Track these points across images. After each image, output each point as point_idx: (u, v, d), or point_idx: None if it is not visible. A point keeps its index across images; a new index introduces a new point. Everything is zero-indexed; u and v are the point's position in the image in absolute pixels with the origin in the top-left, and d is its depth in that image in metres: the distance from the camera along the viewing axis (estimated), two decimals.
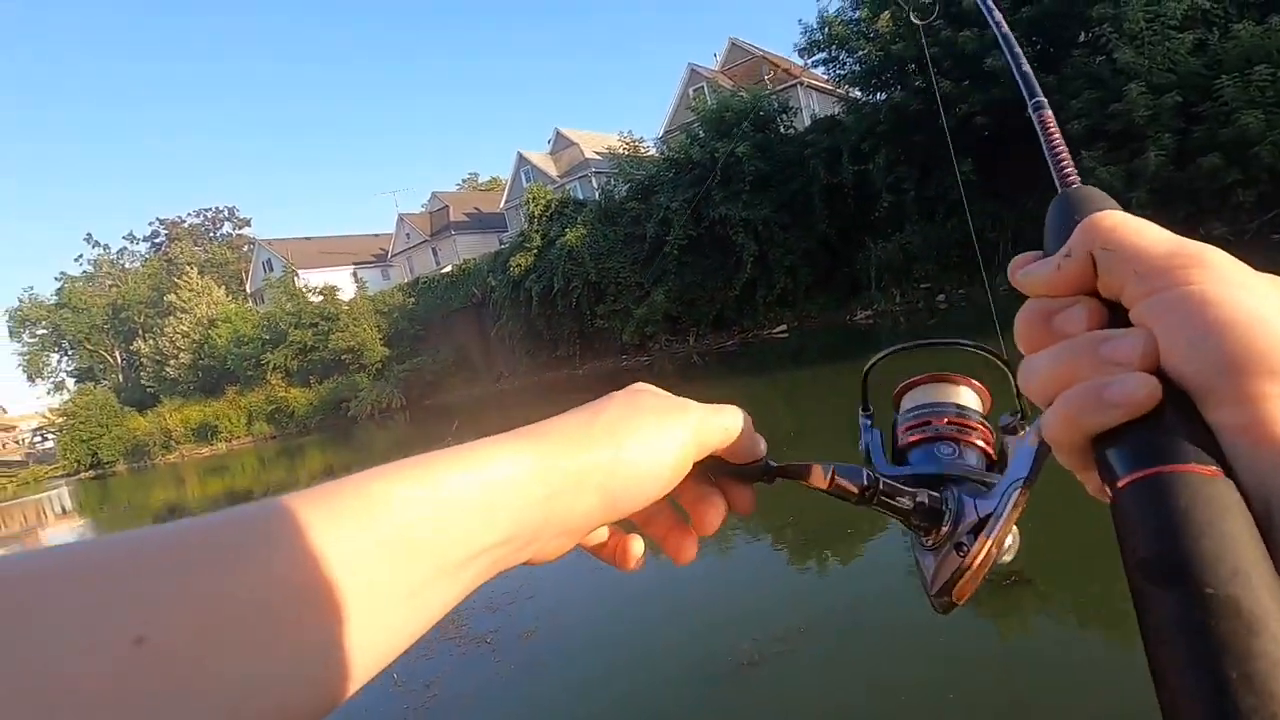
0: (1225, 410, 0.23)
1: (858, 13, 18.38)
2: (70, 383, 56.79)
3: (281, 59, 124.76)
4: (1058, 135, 0.40)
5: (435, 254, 41.51)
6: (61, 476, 41.85)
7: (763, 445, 0.41)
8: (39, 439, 54.39)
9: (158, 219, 57.71)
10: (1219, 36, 13.39)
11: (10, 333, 56.78)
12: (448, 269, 33.79)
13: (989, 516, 0.36)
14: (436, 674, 3.72)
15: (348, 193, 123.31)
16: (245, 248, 53.39)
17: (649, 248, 21.91)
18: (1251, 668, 0.18)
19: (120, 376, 52.48)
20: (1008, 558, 0.37)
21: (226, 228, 57.19)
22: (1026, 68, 0.46)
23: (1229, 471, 0.23)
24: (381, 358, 31.98)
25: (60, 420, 42.97)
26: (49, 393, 58.25)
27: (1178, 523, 0.21)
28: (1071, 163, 0.37)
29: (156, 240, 56.59)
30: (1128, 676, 2.64)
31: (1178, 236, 0.28)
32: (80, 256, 71.84)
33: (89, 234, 69.96)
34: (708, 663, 3.30)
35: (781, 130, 21.68)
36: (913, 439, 0.45)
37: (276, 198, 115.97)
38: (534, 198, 25.57)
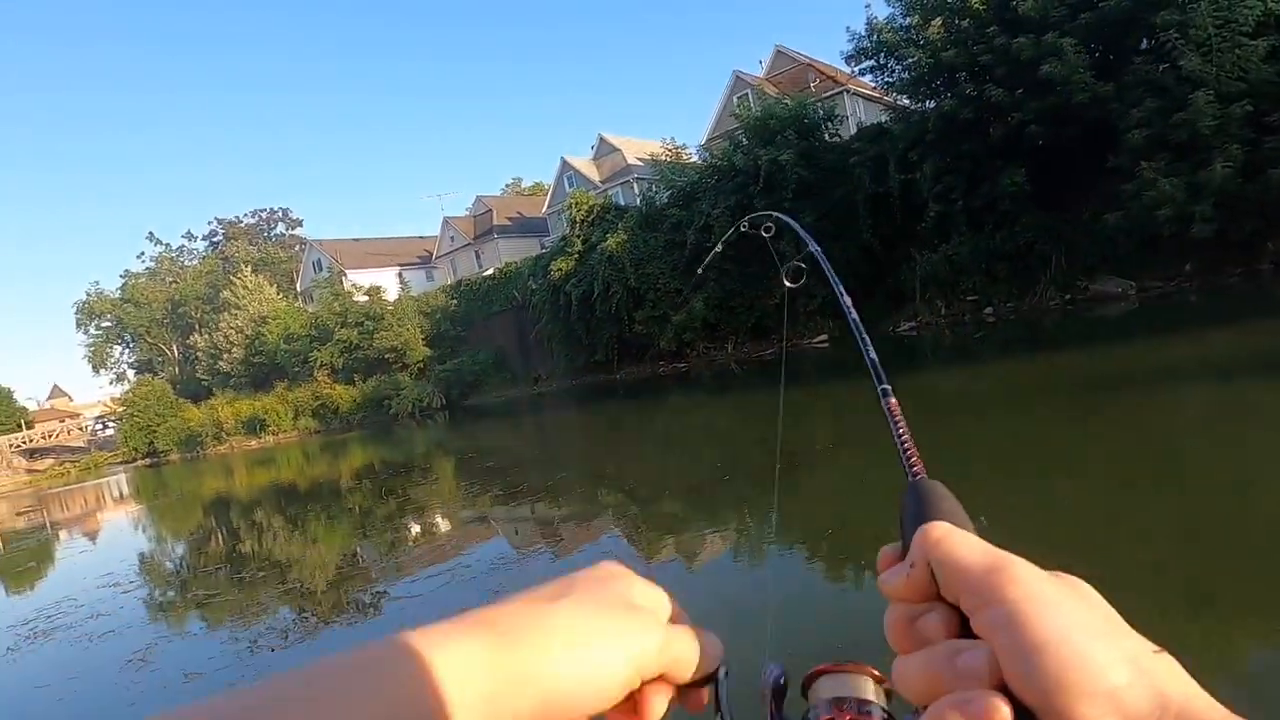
0: None
1: (908, 19, 18.09)
2: (130, 374, 59.48)
3: (337, 63, 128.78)
4: (904, 425, 0.44)
5: (478, 257, 42.20)
6: (120, 463, 43.79)
7: (716, 657, 0.38)
8: (100, 426, 57.05)
9: (216, 219, 60.10)
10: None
11: (77, 324, 59.81)
12: (490, 272, 34.32)
13: None
14: None
15: (395, 195, 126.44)
16: (297, 247, 55.15)
17: (689, 254, 21.88)
18: None
19: (177, 369, 54.71)
20: None
21: (280, 228, 59.19)
22: (874, 355, 0.50)
23: None
24: (423, 358, 32.62)
25: (121, 409, 45.03)
26: (111, 383, 61.16)
27: None
28: (916, 453, 0.42)
29: (214, 239, 58.88)
30: None
31: (990, 548, 0.32)
32: (143, 254, 75.12)
33: (151, 232, 73.07)
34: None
35: (826, 138, 21.45)
36: None
37: (328, 199, 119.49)
38: (576, 203, 25.80)
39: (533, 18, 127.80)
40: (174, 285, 56.29)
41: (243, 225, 58.27)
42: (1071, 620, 0.28)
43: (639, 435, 12.92)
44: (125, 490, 26.44)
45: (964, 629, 0.31)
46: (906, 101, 19.44)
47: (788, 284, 0.98)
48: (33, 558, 12.93)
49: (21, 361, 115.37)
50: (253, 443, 36.14)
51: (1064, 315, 14.70)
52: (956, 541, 0.33)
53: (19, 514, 22.99)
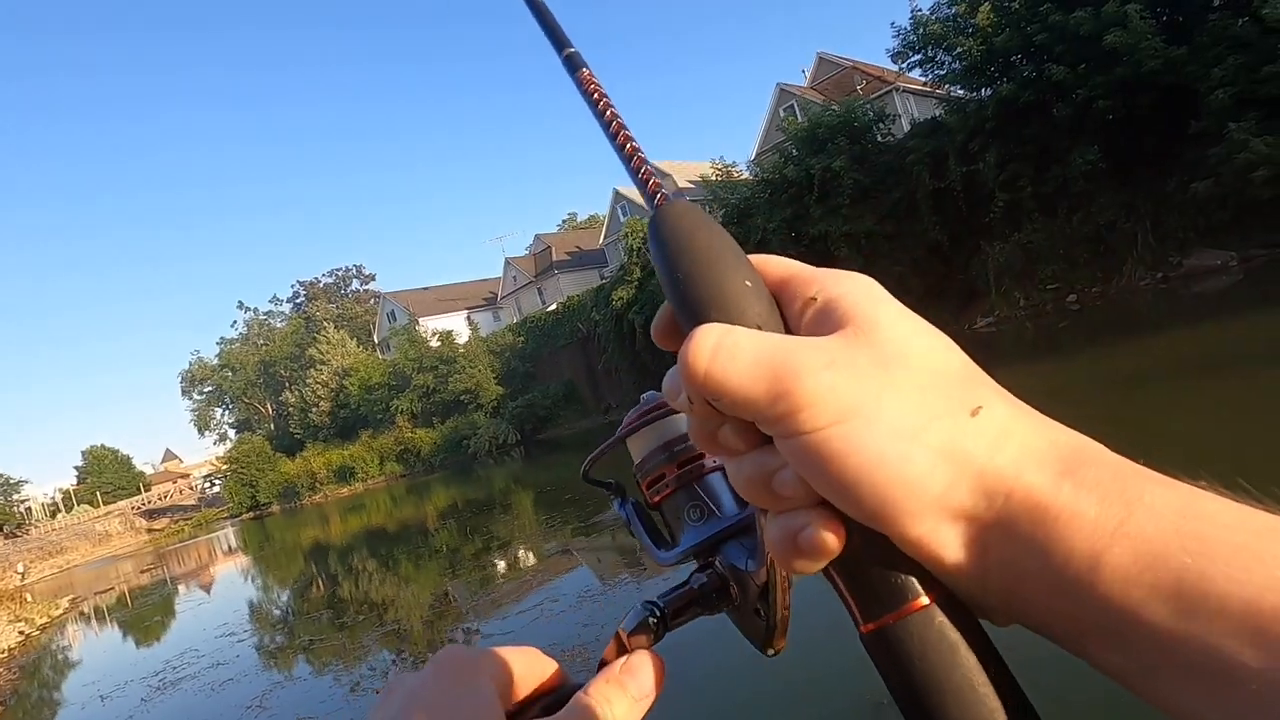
0: (906, 546, 0.25)
1: (954, 9, 17.61)
2: (231, 433, 63.65)
3: (394, 127, 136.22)
4: (636, 147, 0.36)
5: (541, 294, 43.23)
6: (228, 518, 46.70)
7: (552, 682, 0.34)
8: (208, 484, 61.16)
9: (297, 281, 64.04)
10: None
11: (183, 391, 64.67)
12: (553, 307, 35.06)
13: (765, 585, 0.34)
14: None
15: (460, 241, 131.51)
16: (372, 301, 58.01)
17: None
18: None
19: (272, 425, 58.12)
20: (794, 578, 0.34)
21: (355, 284, 62.47)
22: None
23: (940, 588, 0.26)
24: (496, 396, 33.49)
25: (225, 467, 48.13)
26: (215, 443, 65.56)
27: (923, 669, 0.25)
28: (653, 174, 0.35)
29: (296, 300, 62.66)
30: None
31: (767, 355, 0.26)
32: (235, 321, 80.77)
33: (240, 301, 78.65)
34: (840, 702, 3.13)
35: (879, 139, 21.01)
36: (659, 498, 0.41)
37: (398, 252, 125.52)
38: (632, 231, 26.16)
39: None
40: (264, 348, 60.13)
41: (321, 285, 61.81)
42: (877, 431, 0.25)
43: None
44: (233, 543, 28.12)
45: (768, 440, 0.27)
46: (961, 92, 18.84)
47: None
48: (157, 612, 13.88)
49: (138, 431, 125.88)
50: (344, 490, 37.85)
51: (1157, 295, 13.73)
52: (723, 367, 0.26)
53: (143, 571, 24.79)
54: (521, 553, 8.99)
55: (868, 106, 21.67)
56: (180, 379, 64.46)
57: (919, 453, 0.25)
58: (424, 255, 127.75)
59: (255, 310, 63.71)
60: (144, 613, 14.28)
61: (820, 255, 20.29)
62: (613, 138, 0.36)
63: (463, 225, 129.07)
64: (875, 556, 0.26)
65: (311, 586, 11.88)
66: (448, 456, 34.00)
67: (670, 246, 0.30)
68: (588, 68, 0.39)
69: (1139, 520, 0.23)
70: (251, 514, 42.94)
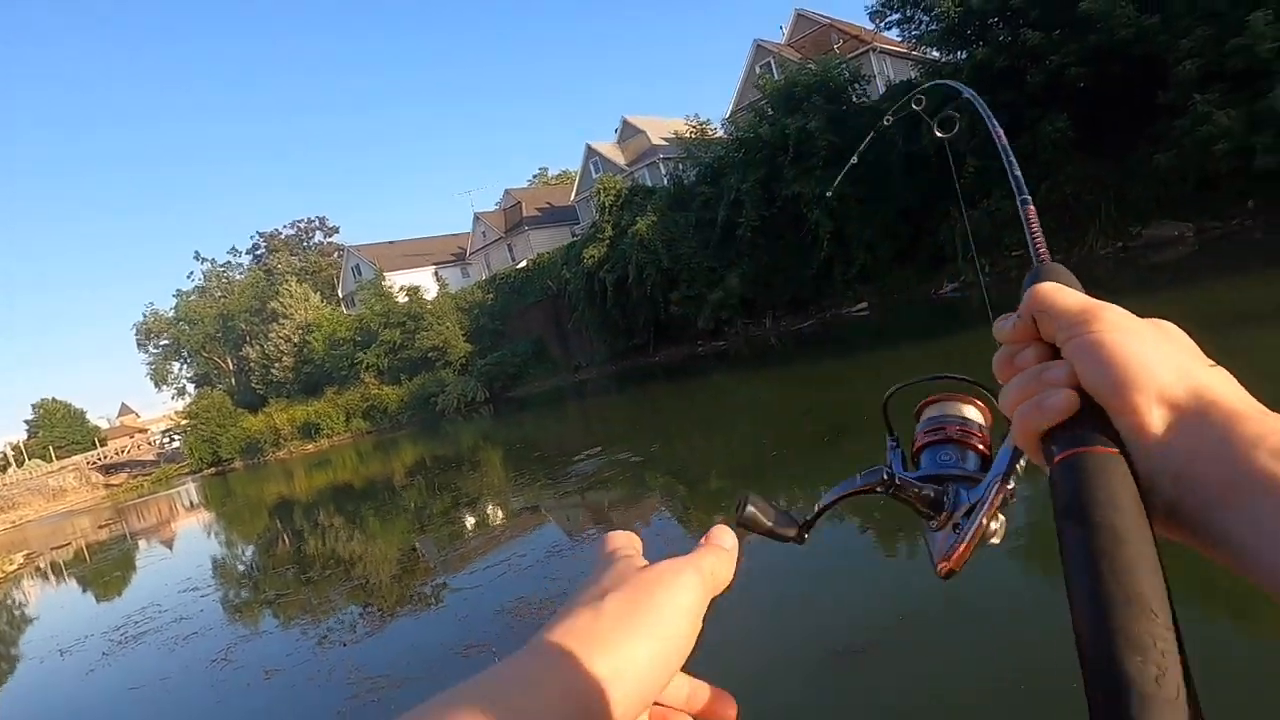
0: (1122, 417, 0.35)
1: None
2: (190, 388, 62.03)
3: (358, 65, 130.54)
4: (1037, 225, 0.55)
5: (511, 250, 42.53)
6: (189, 473, 45.88)
7: (734, 544, 0.41)
8: (167, 439, 59.86)
9: (257, 232, 61.83)
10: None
11: (138, 345, 62.66)
12: (523, 264, 34.58)
13: (977, 504, 0.47)
14: None
15: (426, 195, 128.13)
16: (335, 254, 56.42)
17: (721, 231, 21.64)
18: (1118, 565, 0.29)
19: (232, 380, 56.82)
20: (995, 540, 0.46)
21: (318, 236, 60.59)
22: (1018, 172, 0.62)
23: (1125, 453, 0.34)
24: (465, 353, 33.16)
25: (185, 422, 47.07)
26: (173, 397, 63.92)
27: (1082, 480, 0.33)
28: (1044, 244, 0.52)
29: (257, 252, 60.65)
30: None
31: (1089, 299, 0.40)
32: (192, 273, 77.96)
33: (197, 251, 75.54)
34: (810, 647, 3.25)
35: (854, 100, 20.86)
36: (926, 441, 0.56)
37: (362, 204, 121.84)
38: (604, 188, 25.73)
39: (547, 5, 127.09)
40: (223, 300, 58.30)
41: (283, 237, 59.85)
42: (1139, 343, 0.36)
43: (682, 416, 12.92)
44: (195, 499, 27.71)
45: (1054, 358, 0.39)
46: (937, 54, 18.75)
47: (939, 134, 0.96)
48: (117, 567, 13.68)
49: (92, 384, 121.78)
50: (309, 446, 37.40)
51: (1118, 264, 14.09)
52: (1059, 293, 0.41)
53: (101, 526, 24.34)
54: (490, 509, 9.03)
55: (844, 66, 21.44)
56: (135, 331, 62.30)
57: (1163, 359, 0.36)
58: (390, 209, 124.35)
59: (213, 262, 61.54)
60: (103, 568, 14.06)
61: (792, 217, 20.29)
62: (1030, 229, 0.56)
63: (430, 178, 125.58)
64: (1090, 419, 0.36)
65: (277, 542, 11.81)
66: (415, 413, 33.74)
67: (1040, 274, 0.46)
68: (1031, 206, 0.58)
69: None
70: (213, 470, 42.22)
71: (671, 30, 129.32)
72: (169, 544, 15.92)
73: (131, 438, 68.19)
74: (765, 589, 4.02)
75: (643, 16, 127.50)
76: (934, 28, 17.68)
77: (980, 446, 0.54)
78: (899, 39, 20.89)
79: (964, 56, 17.41)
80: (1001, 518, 0.47)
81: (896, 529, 4.41)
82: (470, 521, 8.62)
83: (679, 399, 15.52)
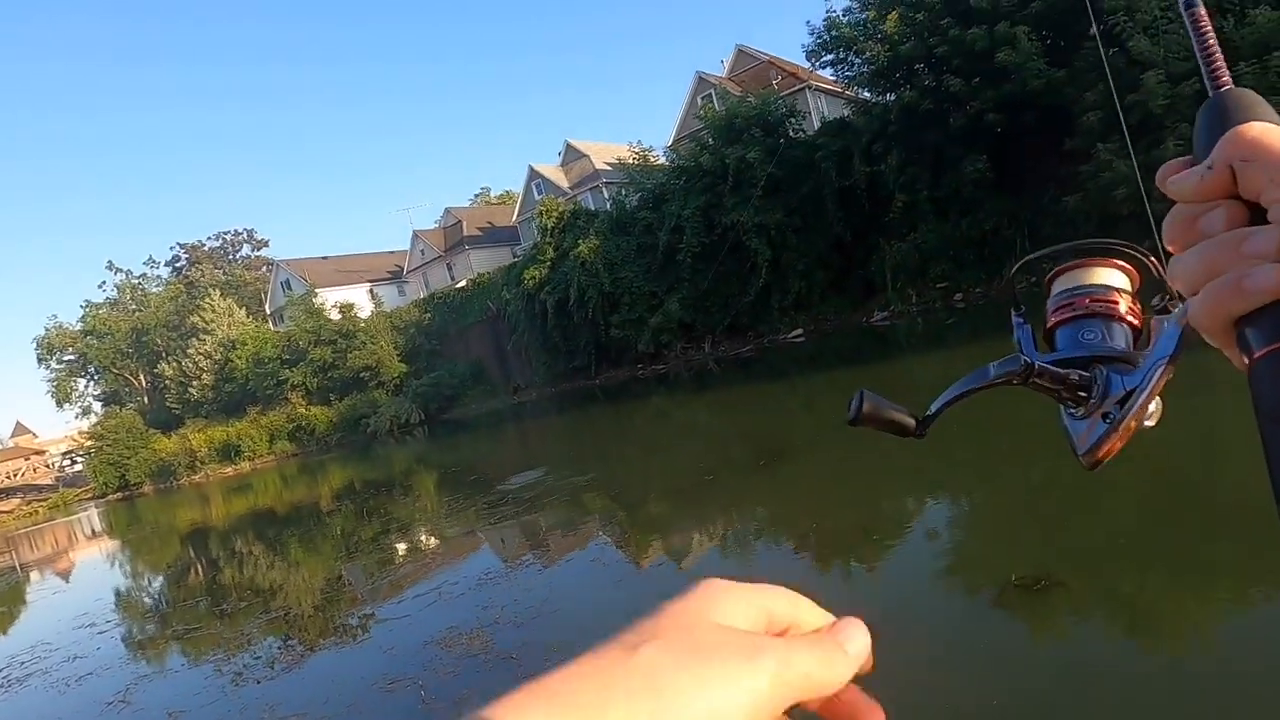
0: None
1: (865, 14, 18.36)
2: (97, 406, 57.84)
3: (294, 75, 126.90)
4: (1211, 35, 0.39)
5: (450, 269, 41.81)
6: (91, 499, 42.58)
7: (859, 651, 0.29)
8: (68, 462, 55.52)
9: (178, 243, 58.81)
10: (1234, 23, 13.18)
11: (38, 360, 58.08)
12: (462, 284, 34.04)
13: (1134, 391, 0.40)
14: (464, 691, 3.71)
15: (362, 211, 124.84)
16: (264, 268, 54.21)
17: (662, 256, 21.94)
18: None
19: (145, 399, 53.40)
20: (1151, 423, 0.41)
21: (245, 249, 58.15)
22: None
23: None
24: (399, 374, 32.24)
25: (89, 443, 43.80)
26: (77, 417, 59.44)
27: None
28: (1223, 64, 0.38)
29: (177, 264, 57.63)
30: (1159, 678, 2.58)
31: None
32: (104, 283, 73.32)
33: (110, 261, 71.13)
34: None
35: (791, 134, 21.67)
36: (1060, 318, 0.50)
37: (293, 218, 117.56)
38: (546, 210, 25.73)
39: (493, 23, 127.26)
40: (137, 314, 54.94)
41: (206, 249, 57.15)
42: None
43: (621, 439, 12.90)
44: (97, 526, 25.73)
45: (1252, 222, 0.31)
46: (868, 95, 19.72)
47: None
48: (3, 602, 12.51)
49: None
50: (228, 470, 35.39)
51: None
52: (1270, 136, 0.31)
53: None
54: (421, 535, 8.74)
55: (782, 101, 22.26)
56: (35, 345, 57.80)
57: None
58: (325, 224, 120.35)
59: (128, 273, 58.06)
60: None
61: (732, 245, 20.77)
62: (1205, 46, 0.40)
63: (368, 194, 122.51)
64: None
65: (188, 572, 11.07)
66: (345, 435, 32.48)
67: (1229, 108, 0.35)
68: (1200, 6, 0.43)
69: None
70: (120, 495, 39.34)
71: (615, 57, 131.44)
72: (65, 575, 14.70)
73: (27, 459, 62.76)
74: None
75: (588, 42, 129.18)
76: (864, 70, 18.63)
77: (1130, 318, 0.47)
78: (833, 79, 21.86)
79: (892, 98, 18.37)
80: (1159, 400, 0.41)
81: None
82: (401, 548, 8.31)
83: (618, 422, 15.51)
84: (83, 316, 56.71)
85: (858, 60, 18.75)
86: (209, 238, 57.60)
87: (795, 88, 28.81)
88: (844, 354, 15.35)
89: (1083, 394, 0.43)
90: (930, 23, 16.59)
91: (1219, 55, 0.38)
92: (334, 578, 7.90)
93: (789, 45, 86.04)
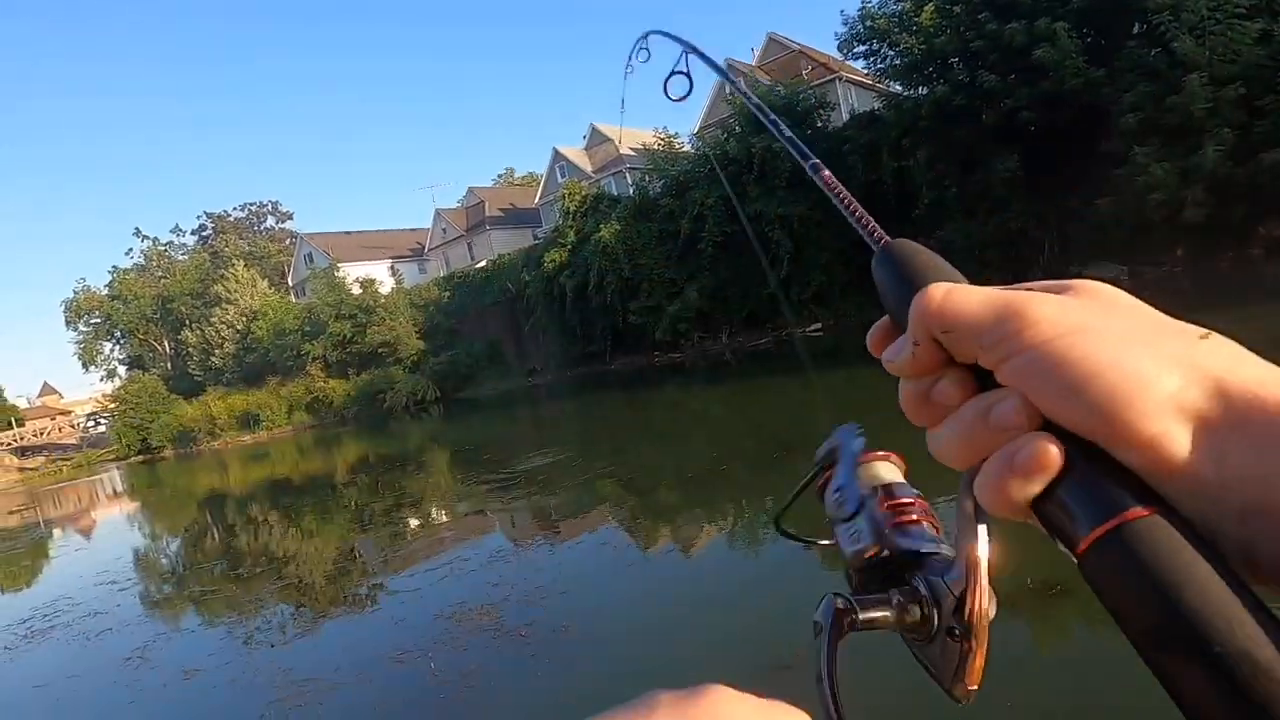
0: (1131, 453, 0.25)
1: (901, 5, 18.02)
2: (121, 370, 59.01)
3: (326, 57, 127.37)
4: (849, 198, 0.41)
5: (470, 249, 41.97)
6: (113, 460, 43.54)
7: None
8: (92, 423, 56.79)
9: (204, 213, 59.58)
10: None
11: (66, 322, 59.27)
12: (482, 264, 34.16)
13: (965, 592, 0.33)
14: (473, 665, 3.77)
15: (387, 188, 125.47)
16: (288, 241, 54.73)
17: (683, 244, 21.85)
18: (1248, 688, 0.21)
19: (168, 365, 54.34)
20: (990, 616, 0.34)
21: (270, 221, 58.70)
22: (790, 134, 0.49)
23: (1163, 503, 0.25)
24: (417, 351, 32.49)
25: (113, 406, 44.75)
26: (102, 379, 60.67)
27: (1152, 583, 0.23)
28: (872, 220, 0.39)
29: (203, 234, 58.33)
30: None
31: (998, 294, 0.29)
32: (131, 250, 74.37)
33: (137, 228, 72.41)
34: (743, 663, 3.28)
35: (819, 125, 21.41)
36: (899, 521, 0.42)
37: (318, 192, 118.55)
38: (569, 193, 25.69)
39: (522, 8, 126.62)
40: (163, 281, 55.79)
41: (232, 219, 57.75)
42: (1107, 340, 0.26)
43: (634, 426, 12.94)
44: (119, 487, 26.32)
45: (982, 384, 0.29)
46: (899, 88, 19.40)
47: (670, 97, 0.88)
48: (28, 556, 12.87)
49: (12, 360, 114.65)
50: (247, 438, 35.99)
51: None
52: (958, 301, 0.29)
53: (11, 512, 22.86)
54: (434, 511, 8.85)
55: (811, 92, 21.99)
56: (64, 307, 58.96)
57: (1151, 357, 0.25)
58: (349, 199, 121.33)
59: (155, 240, 58.94)
60: (12, 556, 13.20)
61: (755, 234, 20.62)
62: (845, 207, 0.41)
63: (393, 170, 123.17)
64: (1092, 471, 0.25)
65: (205, 536, 11.31)
66: (361, 409, 32.86)
67: (898, 263, 0.35)
68: (826, 170, 0.45)
69: None
70: (141, 457, 40.18)
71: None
72: (86, 534, 15.07)
73: (53, 419, 64.30)
74: None
75: (617, 25, 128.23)
76: (897, 62, 18.31)
77: (924, 516, 0.41)
78: (865, 70, 21.53)
79: (924, 93, 18.07)
80: (990, 590, 0.34)
81: None
82: (413, 523, 8.43)
83: (632, 409, 15.54)
84: (110, 281, 57.77)
85: (891, 52, 18.44)
86: (235, 208, 58.20)
87: (826, 79, 28.43)
88: (863, 350, 14.79)
89: (922, 617, 0.35)
90: (967, 16, 16.25)
91: (864, 213, 0.39)
92: (346, 549, 8.03)
93: (822, 35, 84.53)
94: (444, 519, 8.23)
